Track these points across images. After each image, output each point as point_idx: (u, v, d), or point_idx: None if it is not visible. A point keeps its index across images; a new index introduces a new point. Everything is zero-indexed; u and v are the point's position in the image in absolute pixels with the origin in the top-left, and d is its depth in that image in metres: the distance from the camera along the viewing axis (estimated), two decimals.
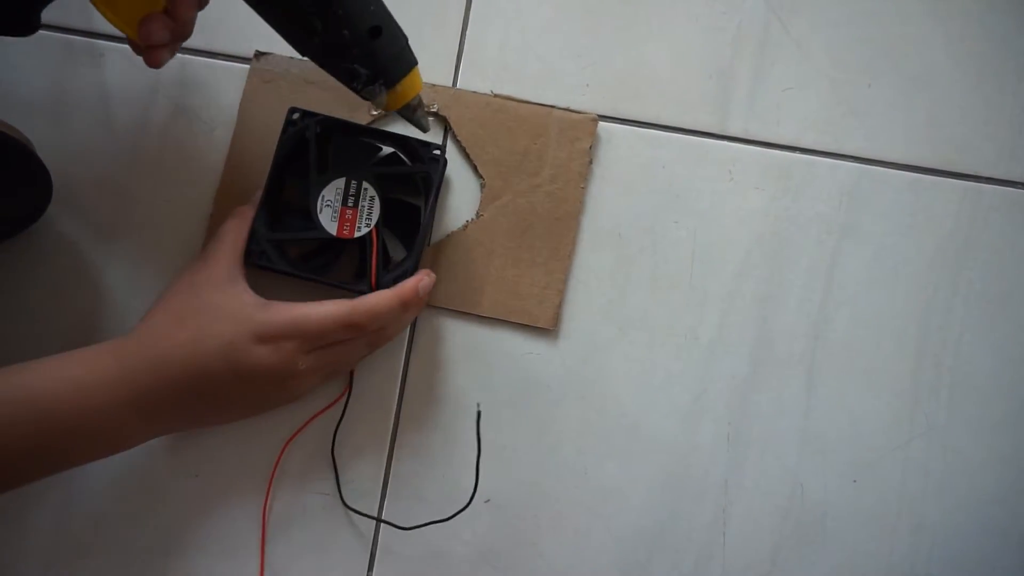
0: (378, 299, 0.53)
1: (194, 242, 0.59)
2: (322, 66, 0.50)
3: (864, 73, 0.63)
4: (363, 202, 0.56)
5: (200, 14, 0.51)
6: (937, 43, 0.63)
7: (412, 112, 0.53)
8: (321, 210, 0.56)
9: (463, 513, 0.56)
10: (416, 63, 0.52)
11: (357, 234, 0.56)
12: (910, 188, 0.62)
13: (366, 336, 0.55)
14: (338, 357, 0.55)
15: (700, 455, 0.60)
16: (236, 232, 0.55)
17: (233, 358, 0.51)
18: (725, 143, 0.62)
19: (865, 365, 0.61)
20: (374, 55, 0.49)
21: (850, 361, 0.61)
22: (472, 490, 0.56)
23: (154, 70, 0.51)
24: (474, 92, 0.61)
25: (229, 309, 0.52)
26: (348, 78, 0.50)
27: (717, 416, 0.60)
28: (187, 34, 0.51)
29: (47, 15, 0.60)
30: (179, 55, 0.60)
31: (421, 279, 0.55)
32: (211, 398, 0.52)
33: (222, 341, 0.51)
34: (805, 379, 0.60)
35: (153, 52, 0.50)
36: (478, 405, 0.58)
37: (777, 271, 0.61)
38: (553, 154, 0.61)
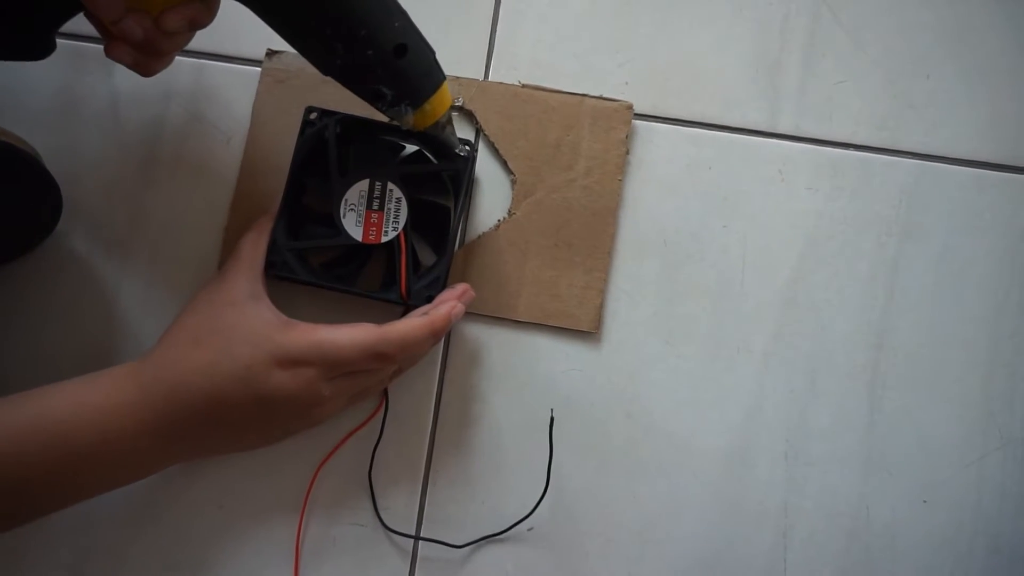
0: (408, 328, 0.49)
1: (210, 256, 0.57)
2: (346, 86, 0.48)
3: (921, 63, 0.59)
4: (389, 204, 0.53)
5: (217, 16, 0.48)
6: (1000, 29, 0.59)
7: (441, 130, 0.51)
8: (344, 215, 0.53)
9: (508, 538, 0.53)
10: (444, 79, 0.49)
11: (384, 239, 0.53)
12: (975, 185, 0.58)
13: (391, 367, 0.52)
14: (363, 383, 0.52)
15: (757, 475, 0.56)
16: (255, 245, 0.52)
17: (252, 383, 0.48)
18: (775, 141, 0.59)
19: (932, 376, 0.57)
20: (399, 75, 0.47)
21: (916, 372, 0.57)
22: (541, 495, 0.54)
23: (162, 76, 0.50)
24: (501, 83, 0.58)
25: (248, 330, 0.49)
26: (372, 98, 0.48)
27: (774, 433, 0.56)
28: (163, 49, 0.48)
29: None
30: (195, 60, 0.58)
31: (454, 307, 0.51)
32: (230, 424, 0.50)
33: (240, 365, 0.48)
34: (867, 392, 0.57)
35: (116, 42, 0.47)
36: (551, 411, 0.55)
37: (834, 276, 0.57)
38: (587, 146, 0.57)
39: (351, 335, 0.49)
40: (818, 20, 0.59)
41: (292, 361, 0.48)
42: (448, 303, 0.51)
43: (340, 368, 0.49)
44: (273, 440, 0.53)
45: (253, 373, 0.48)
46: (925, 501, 0.56)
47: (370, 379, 0.52)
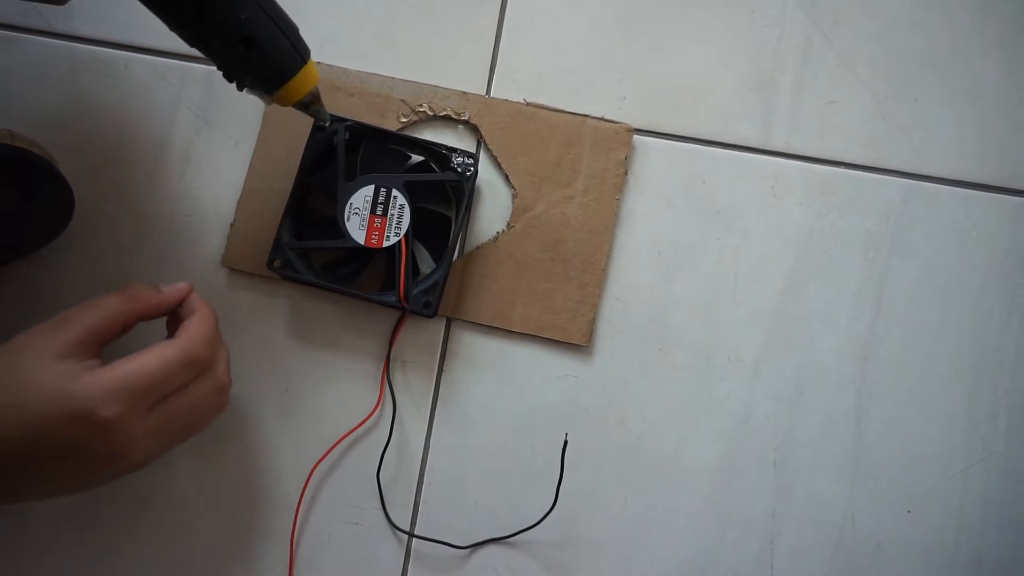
0: (199, 327, 0.47)
1: (215, 256, 0.58)
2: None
3: (910, 86, 0.61)
4: (392, 210, 0.54)
5: None
6: (986, 54, 0.61)
7: (305, 108, 0.50)
8: (349, 218, 0.54)
9: (500, 541, 0.53)
10: (306, 60, 0.48)
11: (386, 244, 0.54)
12: (960, 204, 0.60)
13: (211, 376, 0.48)
14: (183, 409, 0.47)
15: (746, 482, 0.57)
16: (108, 312, 0.47)
17: (46, 446, 0.43)
18: (767, 158, 0.60)
19: (917, 387, 0.58)
20: (250, 63, 0.46)
21: (902, 383, 0.58)
22: (548, 510, 0.55)
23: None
24: (506, 100, 0.59)
25: (41, 383, 0.43)
26: (229, 80, 0.47)
27: (763, 441, 0.57)
28: None
29: (72, 25, 0.59)
30: (205, 66, 0.59)
31: (182, 287, 0.49)
32: (27, 482, 0.45)
33: (32, 428, 0.43)
34: (855, 402, 0.58)
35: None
36: (566, 435, 0.56)
37: (824, 289, 0.58)
38: (587, 164, 0.58)
39: (158, 355, 0.45)
40: (811, 42, 0.61)
41: (89, 409, 0.43)
42: (178, 291, 0.49)
43: (152, 393, 0.45)
44: (85, 488, 0.47)
45: (44, 432, 0.43)
46: (909, 511, 0.57)
47: (188, 401, 0.47)
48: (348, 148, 0.55)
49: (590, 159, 0.59)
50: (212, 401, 0.48)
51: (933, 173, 0.60)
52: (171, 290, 0.50)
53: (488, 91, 0.60)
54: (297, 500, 0.55)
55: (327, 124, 0.53)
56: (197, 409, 0.48)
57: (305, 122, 0.54)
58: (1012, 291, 0.59)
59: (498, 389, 0.57)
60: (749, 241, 0.59)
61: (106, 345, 0.47)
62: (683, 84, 0.60)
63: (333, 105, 0.58)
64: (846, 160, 0.60)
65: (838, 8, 0.61)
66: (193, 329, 0.47)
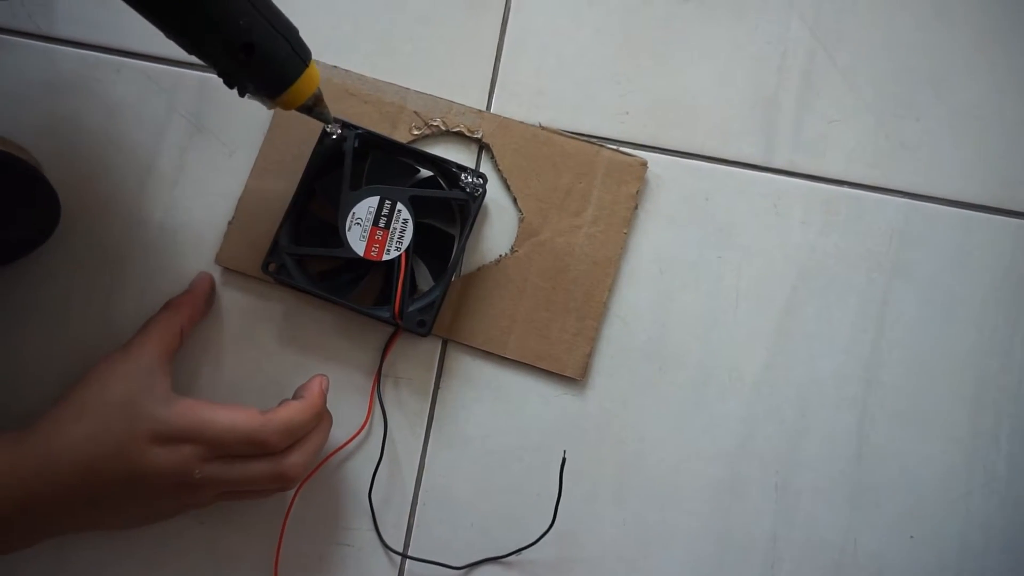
0: (289, 413, 0.49)
1: (206, 268, 0.56)
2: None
3: (912, 106, 0.60)
4: (395, 224, 0.53)
5: None
6: (987, 77, 0.60)
7: (309, 111, 0.49)
8: (350, 228, 0.53)
9: (495, 561, 0.52)
10: (307, 64, 0.47)
11: (385, 257, 0.53)
12: (962, 225, 0.59)
13: (274, 461, 0.49)
14: (240, 475, 0.49)
15: (746, 505, 0.56)
16: (165, 326, 0.52)
17: (125, 460, 0.47)
18: (770, 175, 0.59)
19: (920, 410, 0.57)
20: (250, 70, 0.45)
21: (904, 406, 0.57)
22: (546, 528, 0.54)
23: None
24: (522, 122, 0.58)
25: (131, 404, 0.48)
26: (230, 87, 0.47)
27: (764, 463, 0.56)
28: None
29: (61, 28, 0.58)
30: (199, 72, 0.57)
31: (323, 380, 0.51)
32: (101, 502, 0.48)
33: (117, 440, 0.47)
34: (857, 424, 0.57)
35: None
36: (564, 452, 0.54)
37: (825, 309, 0.58)
38: (598, 195, 0.57)
39: (232, 418, 0.48)
40: (814, 60, 0.60)
41: (170, 437, 0.47)
42: (315, 378, 0.51)
43: (217, 449, 0.48)
44: (146, 520, 0.51)
45: (127, 449, 0.47)
46: (912, 536, 0.56)
47: (247, 472, 0.49)
48: (356, 157, 0.54)
49: (601, 190, 0.58)
50: (266, 484, 0.49)
51: (935, 193, 0.59)
52: (195, 283, 0.55)
53: (489, 104, 0.59)
54: (283, 519, 0.53)
55: (331, 125, 0.52)
56: (248, 483, 0.49)
57: (315, 125, 0.53)
58: (1013, 313, 0.58)
59: (495, 407, 0.56)
60: (751, 259, 0.58)
61: (175, 354, 0.52)
62: (686, 100, 0.60)
63: (345, 111, 0.57)
64: (848, 179, 0.59)
65: (841, 27, 0.61)
66: (280, 414, 0.48)
